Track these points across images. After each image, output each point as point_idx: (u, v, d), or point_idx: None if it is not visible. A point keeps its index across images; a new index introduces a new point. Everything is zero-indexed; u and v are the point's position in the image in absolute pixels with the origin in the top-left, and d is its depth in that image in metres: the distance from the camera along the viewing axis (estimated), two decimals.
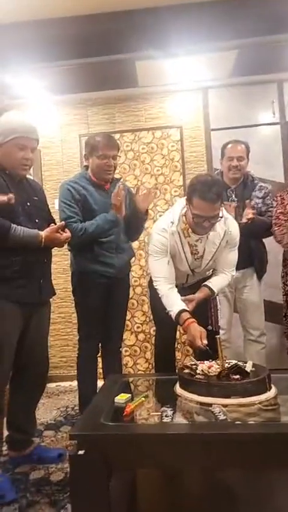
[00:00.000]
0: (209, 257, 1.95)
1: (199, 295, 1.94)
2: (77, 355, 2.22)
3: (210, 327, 2.03)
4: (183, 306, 1.84)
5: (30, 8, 2.19)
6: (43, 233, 1.72)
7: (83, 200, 2.05)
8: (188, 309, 1.83)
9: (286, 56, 2.70)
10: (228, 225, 1.92)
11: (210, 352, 1.65)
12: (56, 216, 2.04)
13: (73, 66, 2.63)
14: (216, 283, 1.99)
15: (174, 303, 1.85)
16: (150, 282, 2.18)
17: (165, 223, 1.91)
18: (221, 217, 1.82)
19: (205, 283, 1.98)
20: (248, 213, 2.29)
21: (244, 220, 2.26)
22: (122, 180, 2.34)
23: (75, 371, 2.26)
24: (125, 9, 2.24)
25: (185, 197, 1.89)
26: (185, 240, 1.89)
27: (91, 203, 2.06)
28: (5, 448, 1.84)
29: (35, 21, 2.29)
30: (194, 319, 1.80)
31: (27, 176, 1.89)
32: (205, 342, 1.71)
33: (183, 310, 1.82)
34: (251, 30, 2.31)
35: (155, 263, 1.93)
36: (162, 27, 2.29)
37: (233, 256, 2.02)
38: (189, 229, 1.87)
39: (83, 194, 2.06)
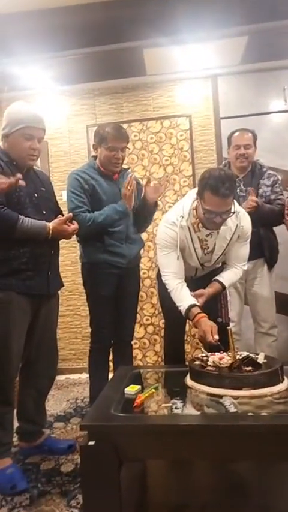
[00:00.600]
0: (220, 252, 1.92)
1: (209, 290, 1.90)
2: (89, 348, 2.20)
3: (220, 319, 2.00)
4: (193, 300, 1.81)
5: None
6: (50, 225, 1.71)
7: (91, 190, 2.03)
8: (198, 304, 1.80)
9: None
10: (240, 219, 1.87)
11: (221, 347, 1.62)
12: (63, 207, 2.02)
13: (80, 55, 2.59)
14: (227, 277, 1.95)
15: (184, 298, 1.82)
16: (159, 273, 2.15)
17: (174, 217, 1.86)
18: (233, 212, 1.77)
19: (216, 277, 1.95)
20: (250, 202, 2.24)
21: (246, 208, 2.21)
22: (130, 170, 2.31)
23: (84, 363, 2.27)
24: None
25: (195, 190, 1.84)
26: (195, 234, 1.85)
27: (100, 193, 2.04)
28: (15, 439, 1.85)
29: (40, 10, 2.25)
30: (204, 314, 1.77)
31: (35, 167, 1.87)
32: (216, 337, 1.68)
33: (193, 305, 1.79)
34: (260, 15, 2.26)
35: (163, 257, 1.90)
36: (170, 14, 2.24)
37: (245, 250, 1.98)
38: (200, 224, 1.82)
39: (91, 184, 2.03)
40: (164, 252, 1.89)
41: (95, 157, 2.13)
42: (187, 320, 2.10)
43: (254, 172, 2.45)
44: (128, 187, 1.99)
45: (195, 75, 3.10)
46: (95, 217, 1.99)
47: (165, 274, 1.90)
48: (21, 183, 1.56)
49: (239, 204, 2.26)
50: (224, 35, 2.46)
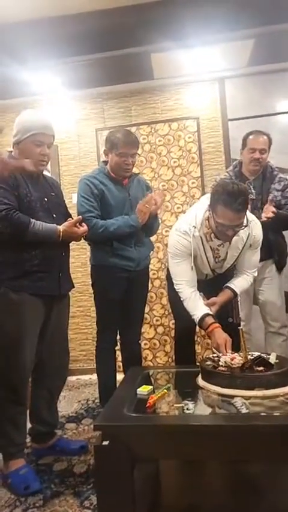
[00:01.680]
0: (232, 261, 1.93)
1: (221, 298, 1.91)
2: (95, 348, 2.23)
3: (231, 319, 2.01)
4: (206, 310, 1.81)
5: (45, 5, 2.20)
6: (61, 227, 1.74)
7: (100, 195, 2.06)
8: (211, 313, 1.81)
9: None
10: (251, 228, 1.88)
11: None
12: (73, 210, 2.05)
13: (89, 61, 2.62)
14: (239, 284, 1.96)
15: (197, 307, 1.83)
16: (169, 275, 2.15)
17: (186, 226, 1.86)
18: (245, 226, 1.78)
19: (227, 284, 1.95)
20: (268, 211, 2.23)
21: (263, 217, 2.20)
22: (139, 175, 2.34)
23: (95, 364, 2.28)
24: (140, 3, 2.22)
25: (207, 197, 1.84)
26: (207, 244, 1.86)
27: (108, 198, 2.07)
28: (28, 440, 1.87)
29: (50, 18, 2.30)
30: (218, 324, 1.76)
31: (44, 173, 1.91)
32: (229, 351, 1.65)
33: (207, 315, 1.79)
34: (267, 18, 2.26)
35: (176, 266, 1.90)
36: (177, 18, 2.25)
37: (256, 257, 1.99)
38: (212, 234, 1.83)
39: (100, 189, 2.06)
40: (176, 261, 1.89)
41: (106, 162, 2.16)
42: None
43: (265, 176, 2.43)
44: (146, 206, 2.02)
45: (202, 78, 3.12)
46: (107, 225, 2.02)
47: (178, 282, 1.90)
48: (29, 166, 1.58)
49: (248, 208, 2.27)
50: (231, 38, 2.47)
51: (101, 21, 2.32)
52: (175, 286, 1.91)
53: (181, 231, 1.87)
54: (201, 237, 1.85)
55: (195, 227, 1.84)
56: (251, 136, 2.41)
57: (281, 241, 2.47)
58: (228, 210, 1.68)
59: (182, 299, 1.87)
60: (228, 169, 2.59)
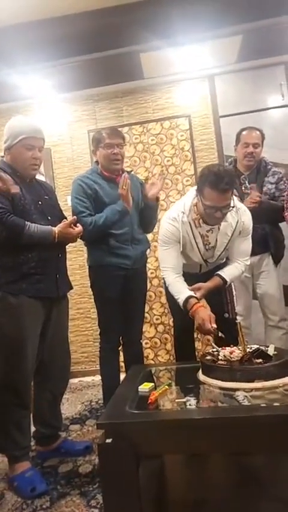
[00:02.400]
0: (222, 248, 1.94)
1: (208, 284, 1.92)
2: (99, 349, 2.23)
3: (226, 314, 2.02)
4: (190, 292, 1.84)
5: (33, 8, 2.21)
6: (56, 229, 1.75)
7: (94, 194, 2.08)
8: (195, 295, 1.83)
9: None
10: (240, 215, 1.90)
11: (224, 338, 1.64)
12: (68, 212, 2.06)
13: (78, 62, 2.63)
14: (229, 272, 1.97)
15: (181, 290, 1.86)
16: None
17: (175, 213, 1.90)
18: (233, 207, 1.80)
19: (217, 272, 1.97)
20: (253, 197, 2.25)
21: (248, 204, 2.23)
22: (132, 172, 2.35)
23: (97, 366, 2.28)
24: (127, 2, 2.23)
25: (195, 188, 1.87)
26: (196, 230, 1.88)
27: (102, 196, 2.08)
28: (32, 443, 1.87)
29: (38, 21, 2.31)
30: (202, 304, 1.80)
31: (38, 178, 1.92)
32: (214, 325, 1.71)
33: (191, 296, 1.82)
34: (253, 14, 2.28)
35: (163, 252, 1.94)
36: (165, 17, 2.27)
37: (247, 245, 2.00)
38: (200, 220, 1.86)
39: (94, 188, 2.08)
40: (164, 247, 1.93)
41: (97, 162, 2.17)
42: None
43: (259, 170, 2.46)
44: (124, 187, 2.03)
45: (192, 76, 3.13)
46: (95, 220, 2.04)
47: (163, 269, 1.94)
48: (14, 190, 1.63)
49: (243, 201, 2.28)
50: (219, 35, 2.48)
51: (88, 22, 2.33)
52: (161, 273, 1.95)
53: (170, 218, 1.90)
54: (189, 223, 1.87)
55: (183, 212, 1.87)
56: (244, 132, 2.45)
57: (278, 234, 2.49)
58: (215, 191, 1.72)
59: (167, 284, 1.90)
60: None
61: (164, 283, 2.05)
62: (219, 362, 1.46)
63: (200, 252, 1.93)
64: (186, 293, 1.84)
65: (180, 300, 1.84)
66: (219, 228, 1.88)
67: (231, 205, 1.79)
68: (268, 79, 3.08)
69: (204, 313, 1.76)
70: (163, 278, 1.99)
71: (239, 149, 2.46)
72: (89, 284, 2.23)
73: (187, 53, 2.74)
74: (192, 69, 3.03)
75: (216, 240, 1.91)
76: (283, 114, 3.07)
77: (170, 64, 2.89)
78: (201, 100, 3.18)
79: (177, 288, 1.88)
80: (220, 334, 1.92)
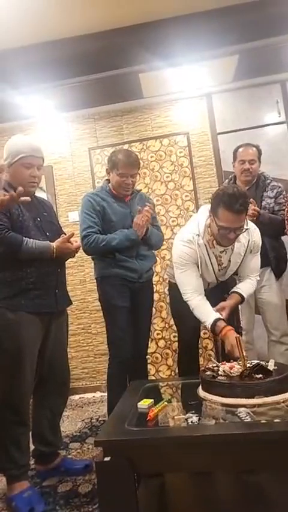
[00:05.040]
0: (235, 268, 1.96)
1: (230, 302, 1.92)
2: (108, 364, 2.17)
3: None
4: (217, 315, 1.82)
5: (35, 31, 2.28)
6: (54, 244, 1.77)
7: (102, 211, 2.12)
8: (222, 317, 1.82)
9: (287, 57, 2.71)
10: (251, 235, 1.92)
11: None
12: (70, 228, 2.08)
13: (79, 83, 2.70)
14: (245, 289, 1.98)
15: (208, 313, 1.83)
16: (170, 286, 2.18)
17: (190, 235, 1.89)
18: (246, 229, 1.82)
19: (234, 289, 1.97)
20: (251, 211, 2.26)
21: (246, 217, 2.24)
22: (141, 191, 2.38)
23: (98, 382, 2.26)
24: (127, 25, 2.31)
25: (207, 207, 1.88)
26: (211, 251, 1.89)
27: (110, 214, 2.12)
28: (31, 461, 1.85)
29: (40, 43, 2.38)
30: (231, 327, 1.77)
31: (38, 195, 1.95)
32: (244, 352, 1.63)
33: (218, 319, 1.80)
34: (250, 34, 2.34)
35: (181, 275, 1.91)
36: (163, 38, 2.34)
37: (257, 261, 2.02)
38: (214, 241, 1.86)
39: (102, 205, 2.12)
40: (181, 270, 1.91)
41: (108, 180, 2.23)
42: (200, 331, 2.11)
43: (258, 185, 2.49)
44: (143, 219, 2.07)
45: (190, 95, 3.21)
46: (109, 240, 2.07)
47: (185, 291, 1.90)
48: (22, 197, 1.60)
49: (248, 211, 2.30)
50: (216, 55, 2.54)
51: (89, 44, 2.40)
52: (183, 296, 1.91)
53: (185, 240, 1.89)
54: (205, 245, 1.88)
55: (198, 235, 1.87)
56: (240, 149, 2.50)
57: (278, 248, 2.49)
58: (229, 212, 1.72)
59: (191, 308, 1.87)
60: (224, 182, 2.65)
61: (169, 297, 2.03)
62: (219, 377, 1.45)
63: (214, 273, 1.94)
64: (213, 316, 1.81)
65: (208, 323, 1.81)
66: (232, 249, 1.90)
67: (245, 226, 1.80)
68: (264, 97, 3.15)
69: (233, 339, 1.70)
70: (168, 292, 1.98)
71: (236, 166, 2.51)
72: (91, 299, 2.23)
73: (185, 73, 2.81)
74: (190, 88, 3.11)
75: (230, 261, 1.93)
76: (279, 131, 3.13)
77: (169, 83, 2.97)
78: (199, 118, 3.25)
79: (203, 310, 1.85)
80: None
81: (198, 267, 1.88)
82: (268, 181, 2.50)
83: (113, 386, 2.13)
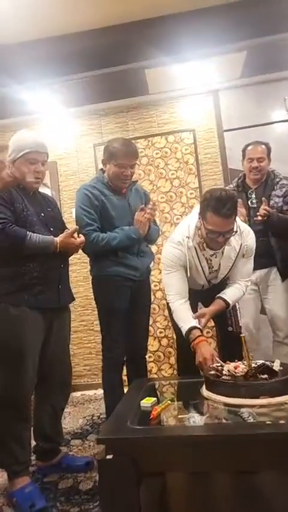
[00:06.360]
0: (226, 271, 1.93)
1: (211, 308, 1.90)
2: (102, 364, 2.15)
3: (230, 328, 1.99)
4: (194, 322, 1.80)
5: (41, 26, 2.27)
6: (58, 238, 1.75)
7: (101, 206, 2.01)
8: (198, 326, 1.79)
9: None
10: (243, 238, 1.88)
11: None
12: (73, 225, 2.04)
13: (85, 78, 2.69)
14: (231, 294, 1.94)
15: (185, 319, 1.82)
16: None
17: (180, 237, 1.87)
18: (236, 231, 1.79)
19: (219, 295, 1.93)
20: (262, 210, 2.25)
21: (258, 217, 2.21)
22: (138, 182, 2.30)
23: (100, 379, 2.23)
24: (134, 20, 2.29)
25: (198, 210, 1.85)
26: (201, 253, 1.87)
27: (109, 209, 2.02)
28: (33, 458, 1.84)
29: (46, 38, 2.37)
30: (204, 338, 1.76)
31: (43, 190, 1.94)
32: (215, 364, 1.63)
33: (194, 327, 1.78)
34: (257, 31, 2.32)
35: (166, 277, 1.90)
36: (170, 34, 2.32)
37: (249, 266, 1.98)
38: (204, 244, 1.84)
39: (101, 200, 2.01)
40: (167, 271, 1.90)
41: (103, 170, 2.10)
42: None
43: (267, 183, 2.46)
44: (145, 216, 2.01)
45: (196, 91, 3.18)
46: (109, 239, 1.98)
47: (168, 293, 1.90)
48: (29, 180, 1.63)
49: (250, 216, 2.27)
50: (224, 51, 2.52)
51: (96, 39, 2.39)
52: (167, 297, 1.91)
53: (175, 241, 1.87)
54: (195, 247, 1.85)
55: (188, 237, 1.84)
56: (249, 147, 2.47)
57: (284, 247, 2.43)
58: (217, 216, 1.69)
59: (172, 310, 1.87)
60: (233, 181, 2.63)
61: (167, 303, 2.01)
62: (223, 377, 1.43)
63: (205, 275, 1.91)
64: (190, 323, 1.79)
65: (183, 329, 1.80)
66: (222, 253, 1.87)
67: (234, 229, 1.77)
68: (272, 94, 3.11)
69: (206, 350, 1.69)
70: (168, 302, 1.94)
71: (245, 164, 2.48)
72: (93, 296, 2.19)
73: (192, 69, 2.79)
74: (196, 85, 3.08)
75: (220, 264, 1.90)
76: (287, 129, 3.09)
77: (175, 79, 2.94)
78: (206, 115, 3.22)
79: (182, 315, 1.83)
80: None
81: (186, 270, 1.85)
82: (277, 179, 2.46)
83: (107, 387, 2.09)
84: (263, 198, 2.33)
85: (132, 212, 2.08)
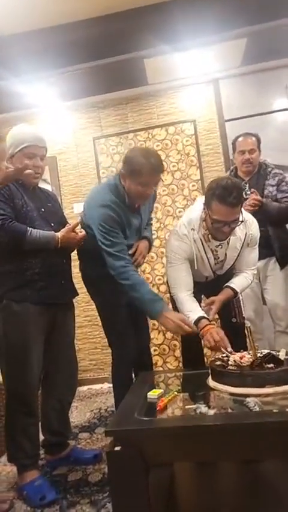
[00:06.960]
0: (232, 262, 1.92)
1: (220, 297, 1.89)
2: (112, 362, 2.05)
3: (234, 319, 1.99)
4: (202, 312, 1.79)
5: (36, 16, 2.23)
6: (59, 234, 1.75)
7: (121, 227, 1.87)
8: (207, 316, 1.78)
9: None
10: (248, 227, 1.87)
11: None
12: (74, 221, 1.97)
13: (82, 70, 2.65)
14: (239, 283, 1.94)
15: (193, 309, 1.80)
16: None
17: (185, 230, 1.86)
18: (241, 221, 1.77)
19: (227, 284, 1.93)
20: (252, 200, 2.24)
21: (247, 208, 2.19)
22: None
23: (105, 373, 2.24)
24: (131, 8, 2.25)
25: (203, 199, 1.84)
26: (207, 244, 1.85)
27: (126, 230, 1.89)
28: (41, 451, 1.86)
29: (42, 29, 2.33)
30: (213, 326, 1.75)
31: (44, 185, 1.93)
32: (229, 349, 1.63)
33: (202, 317, 1.77)
34: (258, 17, 2.28)
35: (171, 270, 1.89)
36: (169, 22, 2.28)
37: (254, 255, 1.98)
38: (209, 235, 1.82)
39: (121, 218, 1.86)
40: (172, 265, 1.88)
41: (122, 185, 1.87)
42: None
43: (259, 174, 2.45)
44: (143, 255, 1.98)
45: (196, 81, 3.14)
46: (131, 287, 1.81)
47: (173, 286, 1.89)
48: (29, 171, 1.62)
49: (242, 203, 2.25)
50: (223, 38, 2.48)
51: (93, 28, 2.35)
52: (171, 290, 1.90)
53: (180, 234, 1.86)
54: (200, 239, 1.84)
55: (193, 229, 1.83)
56: (239, 139, 2.46)
57: (281, 236, 2.43)
58: (223, 205, 1.67)
59: (177, 302, 1.86)
60: (226, 173, 2.62)
61: (170, 297, 2.01)
62: (229, 367, 1.43)
63: (210, 266, 1.91)
64: (198, 313, 1.78)
65: (191, 319, 1.78)
66: (228, 243, 1.85)
67: (240, 219, 1.75)
68: (273, 82, 3.07)
69: (219, 332, 1.68)
70: (172, 295, 1.92)
71: (236, 157, 2.47)
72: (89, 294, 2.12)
73: (191, 58, 2.75)
74: (196, 74, 3.04)
75: (226, 255, 1.89)
76: None
77: (174, 69, 2.90)
78: (206, 104, 3.18)
79: (189, 306, 1.81)
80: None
81: (192, 263, 1.84)
82: (269, 169, 2.46)
83: (118, 385, 1.99)
84: (252, 189, 2.32)
85: (142, 225, 2.01)
